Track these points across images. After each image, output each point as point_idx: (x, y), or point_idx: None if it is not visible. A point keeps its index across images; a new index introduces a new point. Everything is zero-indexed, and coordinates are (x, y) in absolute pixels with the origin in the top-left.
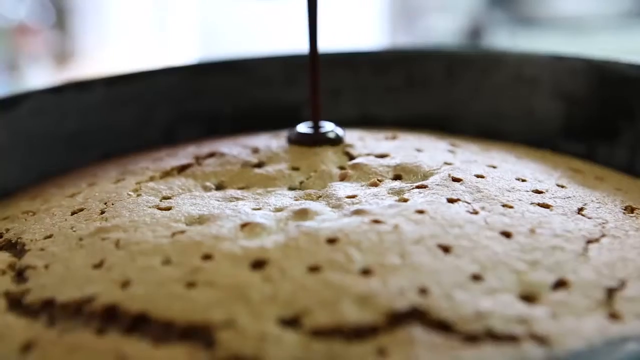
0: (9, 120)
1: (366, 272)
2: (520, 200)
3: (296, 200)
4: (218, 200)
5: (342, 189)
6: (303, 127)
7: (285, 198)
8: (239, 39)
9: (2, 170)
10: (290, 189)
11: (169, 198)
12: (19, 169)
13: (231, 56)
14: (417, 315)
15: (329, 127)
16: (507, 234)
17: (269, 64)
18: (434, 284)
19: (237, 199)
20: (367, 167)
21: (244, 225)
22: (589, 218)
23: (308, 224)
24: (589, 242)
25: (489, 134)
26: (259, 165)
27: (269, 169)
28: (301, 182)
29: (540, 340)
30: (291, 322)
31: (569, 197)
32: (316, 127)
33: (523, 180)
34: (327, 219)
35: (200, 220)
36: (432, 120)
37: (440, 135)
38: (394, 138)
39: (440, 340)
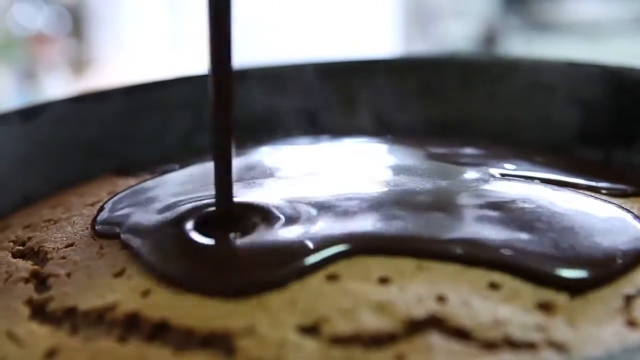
0: (31, 130)
1: (384, 280)
2: None
3: None
4: None
5: None
6: None
7: None
8: (253, 47)
9: (24, 179)
10: None
11: None
12: (40, 178)
13: (246, 64)
14: (435, 323)
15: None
16: None
17: (283, 71)
18: (452, 291)
19: None
20: None
21: None
22: None
23: None
24: None
25: (505, 140)
26: None
27: None
28: None
29: (559, 347)
30: (310, 329)
31: None
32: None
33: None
34: None
35: None
36: (448, 127)
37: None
38: None
39: (458, 348)
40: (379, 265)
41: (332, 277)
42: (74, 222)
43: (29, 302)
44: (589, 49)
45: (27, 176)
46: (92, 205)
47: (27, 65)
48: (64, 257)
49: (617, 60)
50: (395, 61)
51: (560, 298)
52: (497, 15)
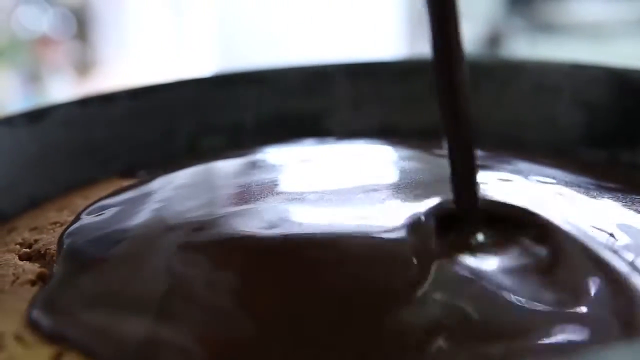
0: (37, 132)
1: None
2: None
3: None
4: None
5: None
6: None
7: None
8: (259, 50)
9: (30, 181)
10: None
11: None
12: (46, 180)
13: (252, 67)
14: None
15: None
16: None
17: (289, 74)
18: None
19: None
20: None
21: None
22: None
23: None
24: None
25: (510, 143)
26: None
27: None
28: None
29: None
30: None
31: None
32: None
33: None
34: None
35: None
36: None
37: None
38: None
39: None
40: None
41: None
42: None
43: None
44: (593, 51)
45: (33, 178)
46: None
47: (31, 67)
48: None
49: (622, 62)
50: (400, 63)
51: None
52: (501, 17)
